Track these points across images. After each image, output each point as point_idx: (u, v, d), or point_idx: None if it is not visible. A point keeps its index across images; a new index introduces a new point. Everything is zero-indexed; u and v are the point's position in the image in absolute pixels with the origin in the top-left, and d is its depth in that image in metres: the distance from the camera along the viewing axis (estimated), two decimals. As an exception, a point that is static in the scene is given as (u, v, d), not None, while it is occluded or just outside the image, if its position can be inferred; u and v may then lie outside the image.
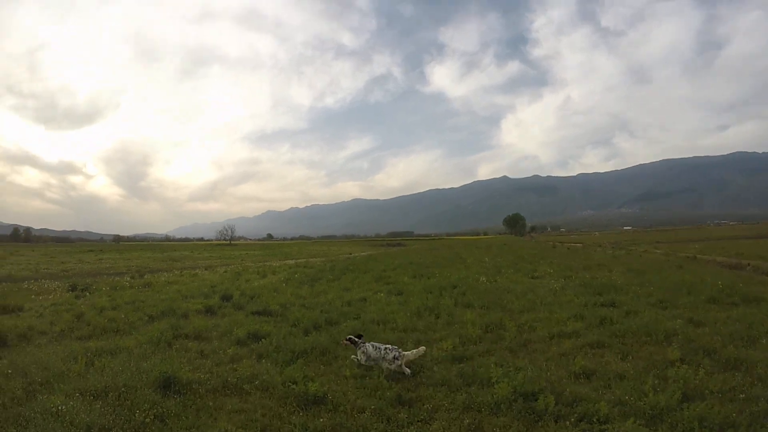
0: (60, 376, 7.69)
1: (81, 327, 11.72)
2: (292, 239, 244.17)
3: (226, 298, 15.91)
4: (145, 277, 26.95)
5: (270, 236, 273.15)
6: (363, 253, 56.24)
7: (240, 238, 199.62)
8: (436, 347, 8.91)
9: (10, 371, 7.90)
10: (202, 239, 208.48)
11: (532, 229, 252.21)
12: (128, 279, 25.37)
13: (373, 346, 8.05)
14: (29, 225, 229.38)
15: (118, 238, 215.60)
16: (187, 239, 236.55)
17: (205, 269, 33.61)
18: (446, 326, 10.84)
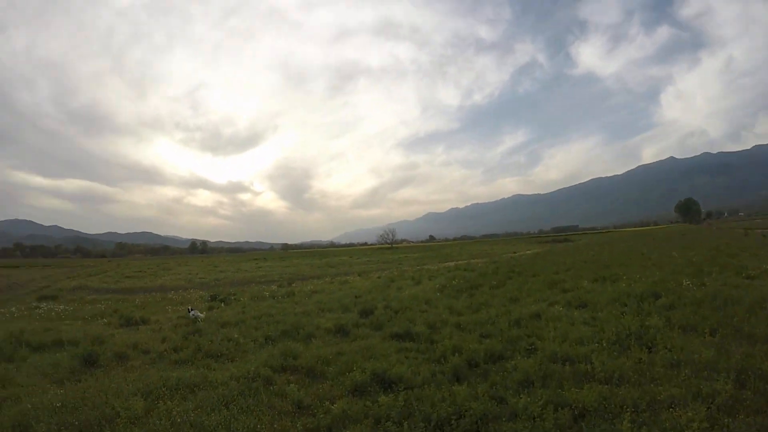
0: (107, 419, 6.64)
1: (186, 348, 11.36)
2: (453, 239, 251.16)
3: (365, 313, 14.78)
4: (293, 285, 28.20)
5: (431, 238, 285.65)
6: (528, 252, 54.73)
7: (402, 240, 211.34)
8: (670, 424, 5.39)
9: (59, 404, 7.17)
10: (365, 244, 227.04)
11: (708, 215, 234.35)
12: (274, 288, 26.68)
13: None
14: (206, 239, 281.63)
15: (286, 247, 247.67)
16: (351, 244, 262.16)
17: (359, 275, 34.28)
18: (670, 370, 7.18)
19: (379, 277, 30.21)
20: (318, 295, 21.60)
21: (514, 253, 54.40)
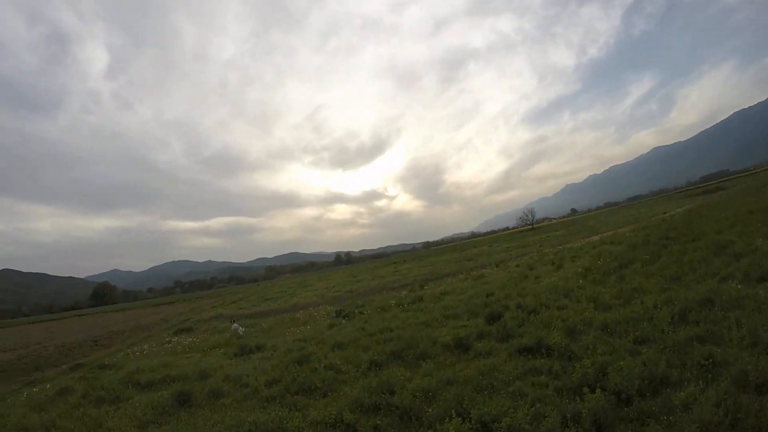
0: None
1: (284, 379, 10.85)
2: (596, 209, 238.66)
3: (493, 317, 13.06)
4: (425, 287, 27.56)
5: (573, 211, 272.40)
6: (679, 210, 50.91)
7: (543, 219, 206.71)
8: None
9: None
10: (506, 228, 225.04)
11: None
12: (404, 293, 26.17)
13: None
14: (349, 249, 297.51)
15: (427, 245, 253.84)
16: (492, 232, 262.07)
17: (496, 266, 33.04)
18: None
19: (517, 266, 28.81)
20: (448, 297, 20.64)
21: (664, 213, 50.12)
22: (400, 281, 37.91)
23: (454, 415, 6.46)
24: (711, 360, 6.62)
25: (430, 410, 7.06)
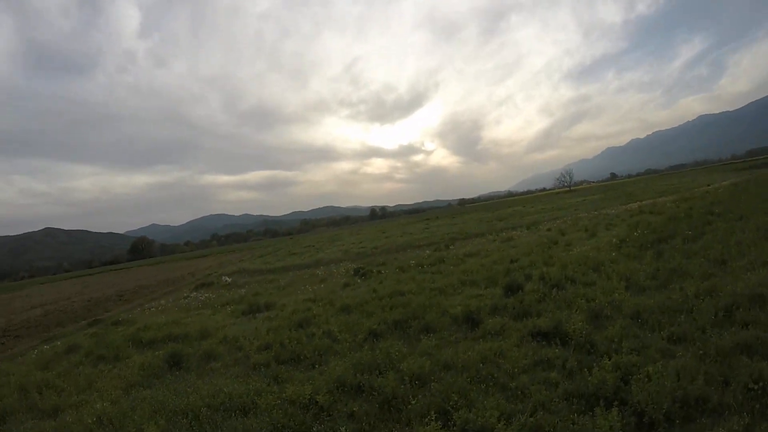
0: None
1: (276, 345, 10.28)
2: (637, 175, 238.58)
3: (512, 288, 11.90)
4: (450, 248, 26.87)
5: (613, 176, 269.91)
6: (724, 183, 48.63)
7: (582, 182, 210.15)
8: None
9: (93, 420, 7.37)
10: (543, 189, 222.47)
11: None
12: (428, 253, 25.49)
13: None
14: (385, 204, 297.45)
15: (462, 202, 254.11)
16: (528, 192, 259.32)
17: (527, 228, 31.91)
18: None
19: (548, 230, 27.79)
20: (471, 259, 19.73)
21: (708, 185, 47.79)
22: (428, 239, 37.12)
23: (434, 418, 5.47)
24: (762, 384, 5.23)
25: (414, 402, 6.14)
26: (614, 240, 17.51)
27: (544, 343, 7.75)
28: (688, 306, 8.17)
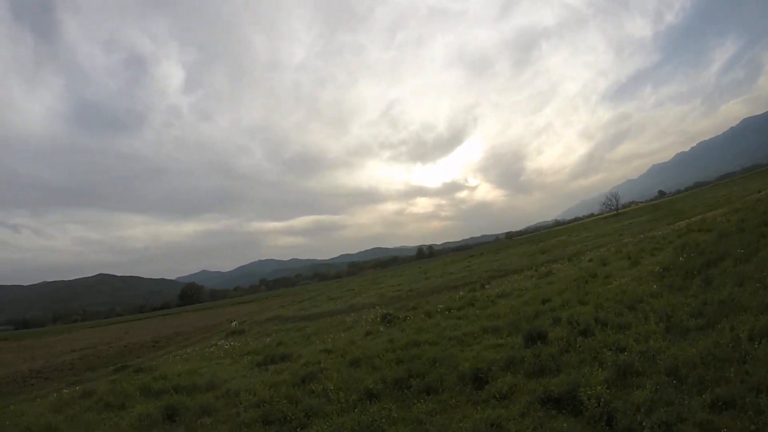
0: None
1: (269, 402, 9.75)
2: (686, 190, 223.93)
3: (533, 337, 10.60)
4: (486, 287, 25.85)
5: (661, 193, 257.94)
6: None
7: (630, 203, 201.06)
8: None
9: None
10: (591, 215, 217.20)
11: None
12: (462, 293, 24.41)
13: None
14: (432, 242, 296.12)
15: (509, 235, 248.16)
16: (576, 219, 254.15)
17: (568, 260, 30.42)
18: None
19: (590, 260, 26.22)
20: (502, 301, 18.57)
21: (759, 192, 45.54)
22: (466, 278, 35.96)
23: None
24: None
25: None
26: (657, 268, 16.03)
27: (554, 411, 6.62)
28: (740, 353, 6.78)
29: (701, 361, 6.91)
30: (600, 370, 7.59)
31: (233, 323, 22.42)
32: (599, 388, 6.69)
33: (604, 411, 6.12)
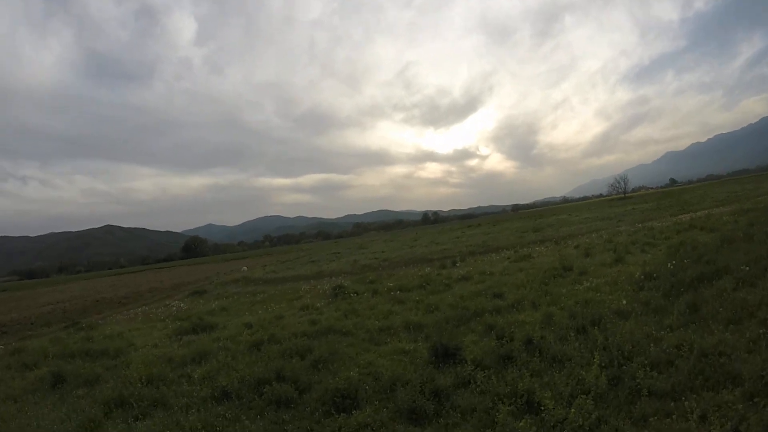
0: None
1: (141, 381, 9.56)
2: (697, 181, 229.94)
3: (440, 354, 8.76)
4: (456, 265, 24.91)
5: (672, 181, 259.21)
6: None
7: (640, 188, 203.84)
8: None
9: None
10: (600, 195, 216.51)
11: None
12: (426, 271, 23.63)
13: None
14: (439, 209, 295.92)
15: (516, 208, 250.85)
16: (584, 198, 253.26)
17: (555, 243, 29.09)
18: None
19: (576, 247, 24.26)
20: (458, 285, 17.28)
21: None
22: (448, 251, 35.33)
23: None
24: None
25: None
26: (639, 272, 13.60)
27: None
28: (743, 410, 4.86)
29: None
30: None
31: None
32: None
33: None
